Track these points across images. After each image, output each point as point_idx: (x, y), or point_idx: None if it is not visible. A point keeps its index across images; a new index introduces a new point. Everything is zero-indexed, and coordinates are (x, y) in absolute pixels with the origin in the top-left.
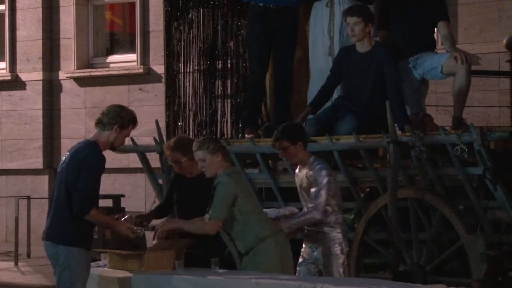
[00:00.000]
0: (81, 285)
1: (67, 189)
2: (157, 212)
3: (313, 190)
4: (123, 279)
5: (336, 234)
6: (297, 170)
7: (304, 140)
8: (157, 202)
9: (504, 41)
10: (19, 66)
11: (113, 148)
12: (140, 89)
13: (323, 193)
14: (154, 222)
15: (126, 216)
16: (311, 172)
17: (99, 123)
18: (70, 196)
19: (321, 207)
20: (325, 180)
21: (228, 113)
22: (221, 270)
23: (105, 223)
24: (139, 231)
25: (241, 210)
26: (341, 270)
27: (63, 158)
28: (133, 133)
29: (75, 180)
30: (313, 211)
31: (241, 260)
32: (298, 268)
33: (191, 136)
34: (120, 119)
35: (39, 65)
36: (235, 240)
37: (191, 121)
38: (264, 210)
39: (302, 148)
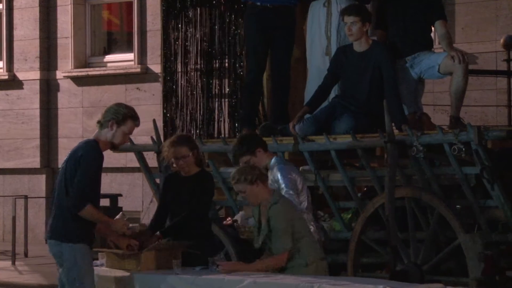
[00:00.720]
0: (89, 281)
1: (67, 187)
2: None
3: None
4: (120, 279)
5: None
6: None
7: (262, 145)
8: (155, 202)
9: (501, 40)
10: (16, 65)
11: (114, 147)
12: (137, 88)
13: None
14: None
15: (119, 214)
16: (273, 170)
17: (99, 121)
18: (75, 193)
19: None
20: (284, 179)
21: (226, 113)
22: (218, 269)
23: (100, 220)
24: (134, 226)
25: (295, 234)
26: None
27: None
28: None
29: (73, 178)
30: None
31: None
32: None
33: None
34: (115, 115)
35: (36, 64)
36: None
37: (188, 120)
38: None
39: (262, 153)
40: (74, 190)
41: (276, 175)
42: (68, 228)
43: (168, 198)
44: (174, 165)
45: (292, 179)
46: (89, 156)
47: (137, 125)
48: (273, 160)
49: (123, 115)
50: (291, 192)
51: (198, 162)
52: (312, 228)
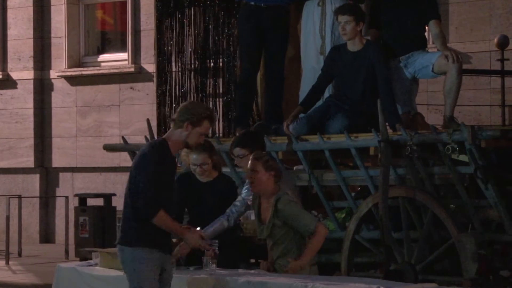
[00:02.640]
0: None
1: (130, 188)
2: None
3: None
4: (115, 278)
5: None
6: None
7: (260, 146)
8: None
9: (495, 40)
10: (10, 65)
11: (188, 146)
12: (131, 88)
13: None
14: None
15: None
16: None
17: (173, 120)
18: (131, 195)
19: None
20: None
21: (220, 112)
22: (213, 267)
23: (173, 229)
24: (214, 244)
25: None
26: None
27: None
28: (124, 132)
29: (134, 179)
30: None
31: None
32: None
33: None
34: (190, 115)
35: (30, 64)
36: (279, 256)
37: None
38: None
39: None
40: (141, 197)
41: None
42: (129, 230)
43: (189, 203)
44: (193, 170)
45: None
46: (144, 159)
47: (213, 125)
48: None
49: (199, 117)
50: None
51: (217, 166)
52: None
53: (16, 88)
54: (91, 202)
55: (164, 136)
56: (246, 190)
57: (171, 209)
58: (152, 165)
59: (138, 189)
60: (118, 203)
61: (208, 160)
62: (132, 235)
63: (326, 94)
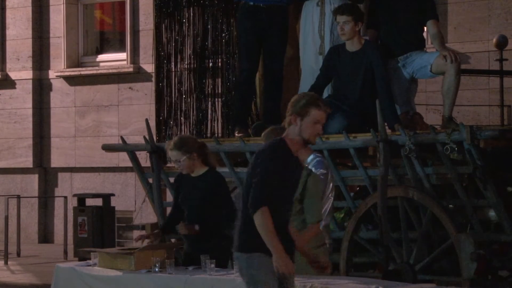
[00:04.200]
0: None
1: (243, 189)
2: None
3: None
4: (113, 278)
5: None
6: None
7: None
8: (147, 201)
9: (494, 40)
10: (8, 65)
11: (309, 142)
12: (130, 88)
13: (323, 178)
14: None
15: None
16: (310, 165)
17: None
18: (244, 195)
19: None
20: (323, 171)
21: (219, 112)
22: (211, 266)
23: (269, 236)
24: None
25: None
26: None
27: None
28: (123, 132)
29: (249, 178)
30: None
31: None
32: None
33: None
34: (294, 108)
35: (29, 64)
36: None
37: (181, 120)
38: None
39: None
40: (251, 192)
41: (312, 169)
42: (243, 235)
43: (180, 197)
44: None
45: (326, 174)
46: (261, 156)
47: (326, 110)
48: (311, 156)
49: (302, 106)
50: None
51: (205, 161)
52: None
53: (14, 88)
54: (89, 202)
55: (283, 135)
56: (313, 167)
57: (285, 211)
58: (266, 163)
59: (254, 184)
60: (117, 203)
61: (182, 157)
62: (246, 240)
63: (325, 94)
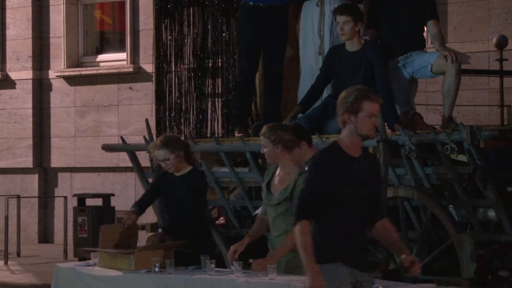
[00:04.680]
0: None
1: None
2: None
3: None
4: (113, 278)
5: None
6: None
7: (305, 138)
8: None
9: (494, 40)
10: (8, 65)
11: (368, 137)
12: (130, 88)
13: None
14: None
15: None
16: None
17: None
18: None
19: None
20: None
21: (219, 112)
22: (211, 266)
23: (305, 251)
24: None
25: None
26: None
27: None
28: (122, 132)
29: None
30: None
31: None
32: None
33: (181, 135)
34: (345, 105)
35: (29, 64)
36: (276, 235)
37: (181, 120)
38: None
39: (306, 147)
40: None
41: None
42: (315, 246)
43: (163, 195)
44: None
45: None
46: (310, 163)
47: (378, 101)
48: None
49: (353, 101)
50: None
51: (189, 160)
52: None
53: (14, 88)
54: (89, 202)
55: (336, 139)
56: None
57: (354, 217)
58: (313, 171)
59: (300, 192)
60: (117, 203)
61: (170, 156)
62: (318, 251)
63: (325, 94)
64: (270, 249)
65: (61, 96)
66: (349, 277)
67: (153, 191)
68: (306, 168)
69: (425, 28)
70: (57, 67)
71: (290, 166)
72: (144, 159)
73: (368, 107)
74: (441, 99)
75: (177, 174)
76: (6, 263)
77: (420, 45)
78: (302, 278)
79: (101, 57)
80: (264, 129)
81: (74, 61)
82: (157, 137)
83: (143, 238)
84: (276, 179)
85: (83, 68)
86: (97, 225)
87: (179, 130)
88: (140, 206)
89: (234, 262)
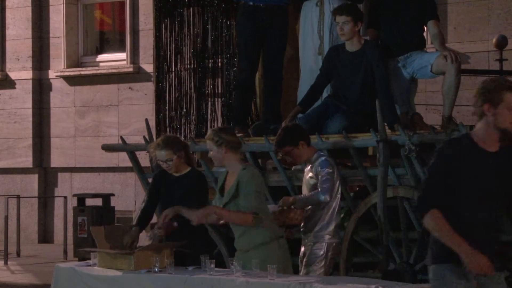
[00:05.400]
0: None
1: None
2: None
3: (320, 177)
4: (113, 278)
5: (325, 235)
6: (305, 168)
7: (304, 138)
8: None
9: (494, 40)
10: (8, 65)
11: (506, 133)
12: (129, 88)
13: (329, 177)
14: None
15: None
16: (315, 164)
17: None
18: None
19: (326, 190)
20: (329, 170)
21: (219, 112)
22: (211, 266)
23: (447, 238)
24: None
25: (260, 205)
26: (318, 272)
27: None
28: (122, 132)
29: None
30: (318, 193)
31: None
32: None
33: (181, 135)
34: (485, 95)
35: (29, 64)
36: (239, 235)
37: (181, 120)
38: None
39: (305, 146)
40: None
41: (318, 168)
42: (431, 246)
43: (160, 196)
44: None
45: (332, 173)
46: (437, 152)
47: None
48: (315, 154)
49: (494, 91)
50: (329, 177)
51: (188, 161)
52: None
53: (14, 88)
54: (89, 202)
55: (469, 131)
56: (319, 166)
57: (482, 214)
58: (439, 160)
59: (423, 182)
60: (117, 203)
61: (173, 156)
62: (432, 251)
63: (325, 94)
64: (237, 250)
65: (61, 96)
66: (467, 279)
67: (153, 197)
68: (304, 168)
69: (425, 28)
70: (57, 67)
71: (235, 165)
72: (144, 159)
73: (510, 98)
74: (441, 99)
75: (176, 174)
76: (6, 263)
77: (420, 45)
78: (302, 278)
79: (101, 57)
80: (209, 132)
81: (74, 61)
82: (157, 137)
83: (143, 238)
84: (226, 183)
85: (83, 68)
86: (97, 225)
87: (179, 130)
88: (141, 224)
89: (234, 262)
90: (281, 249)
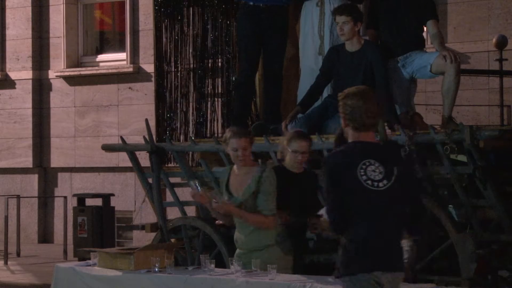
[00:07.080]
0: None
1: None
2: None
3: None
4: (113, 278)
5: None
6: None
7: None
8: (147, 201)
9: (494, 40)
10: (8, 65)
11: None
12: (129, 88)
13: None
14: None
15: None
16: None
17: None
18: None
19: None
20: None
21: (219, 112)
22: (211, 266)
23: None
24: None
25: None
26: None
27: None
28: (122, 132)
29: None
30: None
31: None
32: None
33: (180, 136)
34: None
35: (29, 64)
36: (247, 234)
37: (181, 120)
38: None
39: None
40: None
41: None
42: None
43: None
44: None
45: None
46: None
47: None
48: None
49: None
50: None
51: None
52: None
53: (14, 88)
54: (89, 202)
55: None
56: None
57: None
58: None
59: None
60: (117, 203)
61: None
62: (342, 263)
63: (325, 94)
64: (237, 249)
65: (61, 96)
66: None
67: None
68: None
69: (425, 28)
70: (57, 67)
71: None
72: (144, 159)
73: None
74: (441, 99)
75: (296, 171)
76: (6, 263)
77: (420, 45)
78: (302, 278)
79: (101, 57)
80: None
81: (74, 61)
82: (157, 137)
83: (143, 238)
84: (231, 181)
85: (83, 68)
86: (97, 225)
87: (179, 130)
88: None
89: (234, 262)
90: (285, 252)
